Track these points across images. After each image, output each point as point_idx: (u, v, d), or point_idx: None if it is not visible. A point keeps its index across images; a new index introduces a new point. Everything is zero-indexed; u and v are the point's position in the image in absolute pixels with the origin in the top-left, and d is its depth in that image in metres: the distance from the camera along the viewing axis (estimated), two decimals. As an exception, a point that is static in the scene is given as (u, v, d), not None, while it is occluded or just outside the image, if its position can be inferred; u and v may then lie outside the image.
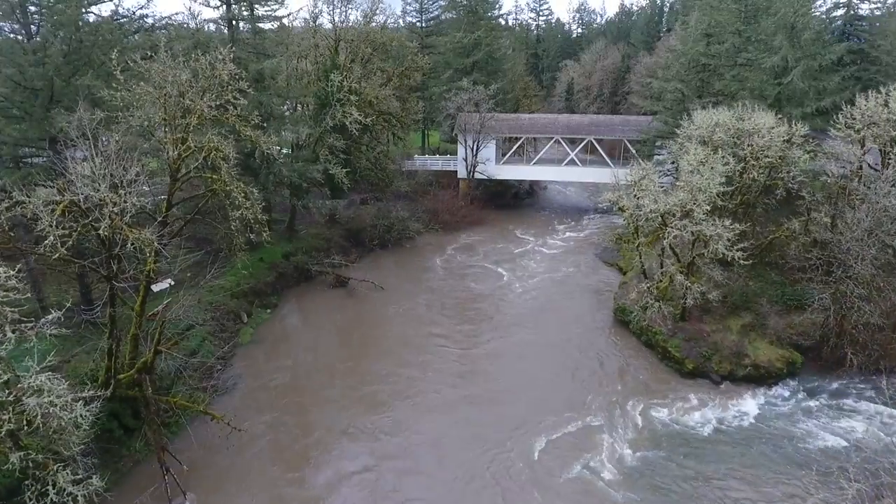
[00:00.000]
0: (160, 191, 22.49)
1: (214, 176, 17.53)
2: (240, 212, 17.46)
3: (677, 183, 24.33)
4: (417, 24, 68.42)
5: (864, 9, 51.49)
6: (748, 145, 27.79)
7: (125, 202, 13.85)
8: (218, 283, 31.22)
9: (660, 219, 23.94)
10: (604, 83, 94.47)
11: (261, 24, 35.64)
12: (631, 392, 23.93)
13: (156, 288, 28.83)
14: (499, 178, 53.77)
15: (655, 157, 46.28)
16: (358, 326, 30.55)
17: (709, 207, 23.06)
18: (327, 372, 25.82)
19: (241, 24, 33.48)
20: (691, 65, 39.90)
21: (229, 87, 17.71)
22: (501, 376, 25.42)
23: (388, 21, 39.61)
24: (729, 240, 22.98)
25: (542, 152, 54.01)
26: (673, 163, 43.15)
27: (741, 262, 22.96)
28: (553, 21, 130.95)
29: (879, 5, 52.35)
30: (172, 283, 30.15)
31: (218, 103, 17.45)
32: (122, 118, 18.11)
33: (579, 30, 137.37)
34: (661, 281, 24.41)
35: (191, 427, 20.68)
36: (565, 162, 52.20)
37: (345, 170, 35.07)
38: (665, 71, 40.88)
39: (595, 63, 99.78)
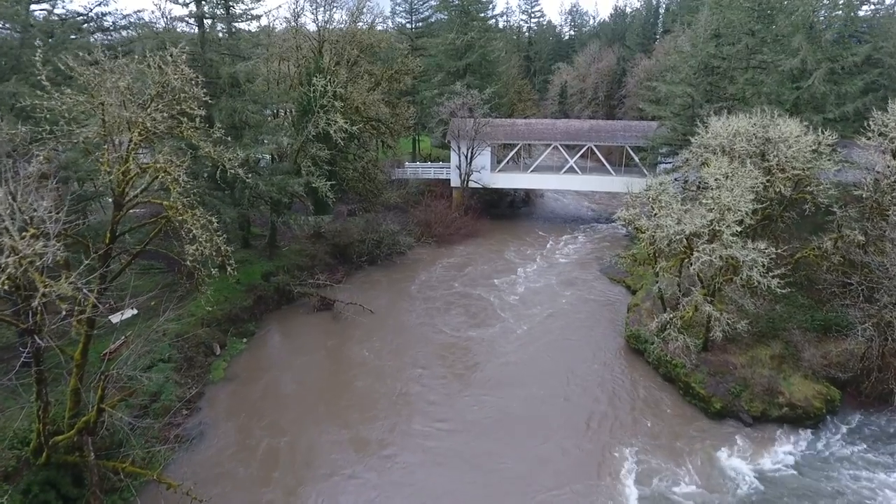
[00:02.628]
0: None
1: (166, 203, 14.49)
2: (194, 247, 14.39)
3: (702, 200, 21.59)
4: (407, 25, 65.61)
5: (865, 10, 49.43)
6: (774, 155, 25.18)
7: (35, 247, 10.77)
8: (188, 310, 28.13)
9: (684, 241, 21.14)
10: (599, 86, 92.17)
11: (238, 24, 32.70)
12: (652, 444, 20.93)
13: (115, 318, 25.66)
14: (494, 186, 51.00)
15: (660, 165, 43.76)
16: (344, 358, 27.44)
17: (739, 229, 20.34)
18: (311, 415, 22.72)
19: (214, 22, 30.44)
20: (700, 67, 37.31)
21: (182, 94, 14.68)
22: (499, 423, 22.44)
23: (376, 21, 36.60)
24: (764, 265, 20.27)
25: (538, 159, 51.29)
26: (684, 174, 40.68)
27: (778, 290, 20.24)
28: (545, 23, 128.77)
29: (879, 7, 50.30)
30: (136, 311, 27.02)
31: (170, 114, 14.45)
32: (58, 132, 15.00)
33: (571, 32, 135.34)
34: (685, 311, 21.63)
35: (145, 494, 17.59)
36: (564, 169, 49.52)
37: (329, 182, 32.02)
38: (672, 74, 38.25)
39: (589, 66, 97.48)
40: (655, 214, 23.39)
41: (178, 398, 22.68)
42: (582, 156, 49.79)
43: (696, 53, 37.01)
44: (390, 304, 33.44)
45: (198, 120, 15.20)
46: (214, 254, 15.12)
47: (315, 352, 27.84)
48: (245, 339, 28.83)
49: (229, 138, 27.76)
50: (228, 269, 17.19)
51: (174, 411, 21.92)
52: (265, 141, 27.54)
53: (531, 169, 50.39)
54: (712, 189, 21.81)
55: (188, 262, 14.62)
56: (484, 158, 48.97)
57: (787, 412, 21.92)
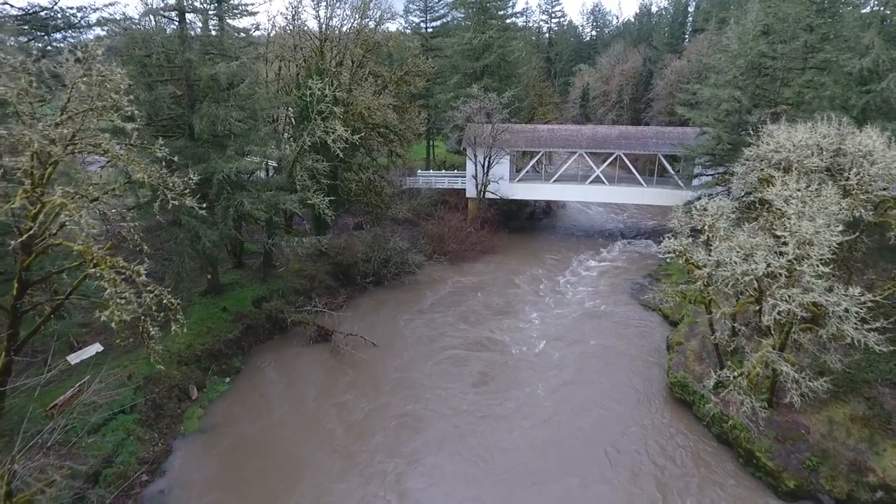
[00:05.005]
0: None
1: (77, 247, 10.87)
2: (108, 312, 10.76)
3: (775, 230, 17.40)
4: (421, 24, 61.97)
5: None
6: (854, 173, 20.87)
7: None
8: (162, 345, 24.62)
9: (755, 283, 16.97)
10: (623, 89, 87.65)
11: (231, 20, 29.25)
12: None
13: (74, 359, 22.22)
14: (513, 197, 47.00)
15: (700, 176, 39.41)
16: (342, 405, 23.62)
17: (827, 269, 16.14)
18: (297, 484, 19.00)
19: (206, 18, 27.00)
20: (749, 68, 32.96)
21: (100, 104, 11.08)
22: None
23: (385, 17, 32.92)
24: (857, 314, 16.06)
25: (562, 168, 47.17)
26: (726, 186, 36.31)
27: (877, 347, 16.00)
28: (565, 23, 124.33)
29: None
30: (101, 349, 23.58)
31: (85, 127, 10.89)
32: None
33: (593, 32, 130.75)
34: (752, 368, 17.48)
35: None
36: (590, 180, 45.35)
37: (329, 198, 28.36)
38: (717, 75, 33.94)
39: (613, 67, 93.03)
40: (711, 245, 19.23)
41: (138, 460, 19.16)
42: (608, 164, 45.64)
43: (745, 52, 32.65)
44: (394, 335, 29.62)
45: (134, 136, 11.56)
46: (153, 312, 11.45)
47: (305, 398, 23.89)
48: (228, 379, 25.22)
49: (211, 150, 24.34)
50: (175, 325, 13.42)
51: (132, 478, 18.40)
52: (253, 152, 23.97)
53: (553, 179, 46.30)
54: (787, 216, 17.59)
55: (114, 325, 10.96)
56: (502, 167, 45.02)
57: (882, 497, 17.61)
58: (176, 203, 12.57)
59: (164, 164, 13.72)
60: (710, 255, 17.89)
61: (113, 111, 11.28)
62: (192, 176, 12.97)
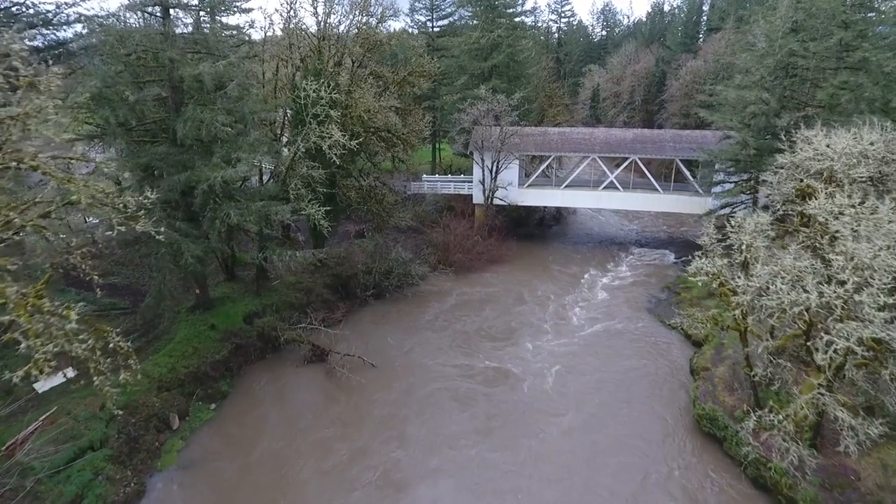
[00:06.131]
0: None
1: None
2: (24, 369, 8.73)
3: (829, 255, 15.15)
4: (427, 22, 59.99)
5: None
6: (908, 185, 18.64)
7: None
8: (142, 368, 22.66)
9: (805, 315, 14.69)
10: (635, 90, 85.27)
11: (223, 18, 27.36)
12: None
13: (42, 386, 20.31)
14: (522, 204, 44.85)
15: (722, 184, 37.08)
16: (325, 445, 21.27)
17: (891, 300, 13.91)
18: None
19: (198, 15, 25.09)
20: (778, 67, 30.67)
21: (26, 111, 9.14)
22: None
23: (387, 14, 30.90)
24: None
25: (574, 173, 44.95)
26: (751, 194, 34.04)
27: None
28: (575, 23, 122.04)
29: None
30: (75, 373, 21.63)
31: None
32: None
33: (603, 32, 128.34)
34: (801, 409, 15.24)
35: None
36: (603, 185, 43.12)
37: (326, 208, 26.36)
38: (744, 76, 31.65)
39: (624, 68, 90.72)
40: (748, 267, 17.02)
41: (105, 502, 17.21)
42: (622, 169, 43.41)
43: (773, 51, 30.35)
44: (393, 357, 27.55)
45: (80, 151, 9.57)
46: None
47: (291, 431, 21.54)
48: (214, 405, 23.24)
49: (196, 156, 22.40)
50: (124, 374, 11.42)
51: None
52: (242, 159, 22.00)
53: (565, 184, 44.09)
54: (841, 236, 15.37)
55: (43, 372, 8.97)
56: (511, 173, 42.90)
57: (950, 561, 15.34)
58: (122, 229, 10.59)
59: (117, 180, 11.77)
60: (749, 281, 15.68)
61: (43, 119, 9.34)
62: (148, 195, 11.02)
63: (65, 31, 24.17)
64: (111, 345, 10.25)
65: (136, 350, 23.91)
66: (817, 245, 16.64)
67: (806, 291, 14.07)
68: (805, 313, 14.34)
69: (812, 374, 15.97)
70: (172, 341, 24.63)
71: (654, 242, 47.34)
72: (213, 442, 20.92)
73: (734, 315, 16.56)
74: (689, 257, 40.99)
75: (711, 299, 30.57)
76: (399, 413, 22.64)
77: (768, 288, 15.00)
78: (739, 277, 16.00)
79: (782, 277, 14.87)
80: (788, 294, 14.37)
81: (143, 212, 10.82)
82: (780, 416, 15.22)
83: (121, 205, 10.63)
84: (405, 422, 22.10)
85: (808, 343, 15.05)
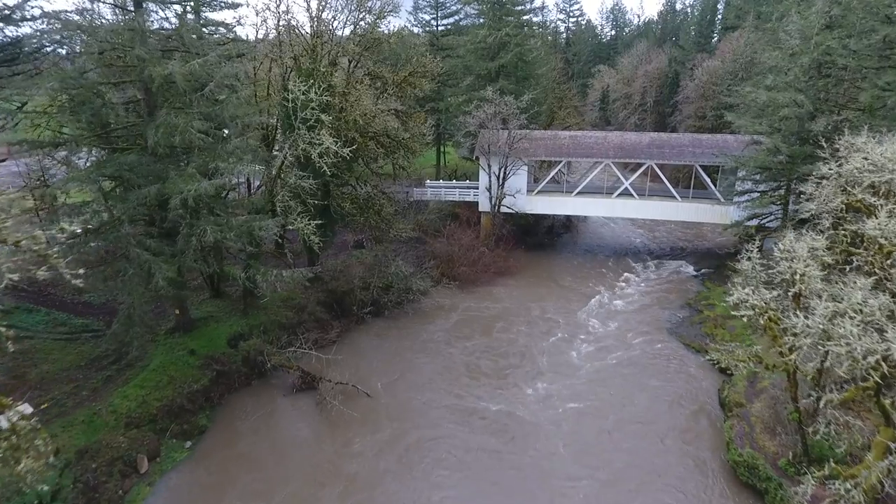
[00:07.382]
0: None
1: None
2: None
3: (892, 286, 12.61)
4: (432, 21, 57.66)
5: None
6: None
7: None
8: (108, 403, 20.36)
9: (883, 366, 12.08)
10: (647, 91, 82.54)
11: (209, 13, 25.11)
12: None
13: (-8, 427, 17.96)
14: (531, 212, 42.37)
15: (746, 193, 34.40)
16: (329, 477, 19.17)
17: None
18: None
19: (157, 6, 22.61)
20: (813, 67, 28.06)
21: None
22: None
23: (386, 10, 28.52)
24: None
25: (587, 179, 42.41)
26: (781, 205, 31.38)
27: None
28: (584, 23, 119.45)
29: None
30: (29, 410, 19.30)
31: None
32: None
33: (612, 32, 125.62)
34: (871, 475, 12.68)
35: None
36: (618, 192, 40.57)
37: (318, 221, 23.99)
38: (777, 77, 29.02)
39: (636, 68, 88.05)
40: (802, 300, 14.46)
41: (52, 571, 14.91)
42: (637, 175, 40.86)
43: (808, 49, 27.73)
44: (389, 387, 25.10)
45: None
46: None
47: (269, 479, 19.12)
48: (189, 443, 20.86)
49: (170, 166, 20.07)
50: (25, 461, 9.06)
51: None
52: (219, 169, 19.69)
53: (577, 191, 41.54)
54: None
55: None
56: (519, 179, 40.42)
57: None
58: (14, 279, 8.25)
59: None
60: (807, 319, 13.11)
61: None
62: (63, 227, 8.81)
63: (26, 26, 21.88)
64: (10, 423, 7.94)
65: (104, 379, 21.89)
66: (885, 276, 14.05)
67: (887, 340, 11.52)
68: (882, 364, 11.79)
69: (882, 430, 13.39)
70: (146, 369, 22.30)
71: (671, 252, 44.70)
72: (181, 489, 18.56)
73: (786, 360, 13.98)
74: (711, 269, 39.08)
75: (734, 319, 27.97)
76: (378, 466, 19.57)
77: (836, 332, 12.45)
78: (796, 314, 13.44)
79: (851, 318, 12.33)
80: (861, 340, 11.83)
81: (55, 249, 8.60)
82: (847, 486, 12.63)
83: (23, 241, 8.33)
84: (383, 478, 19.52)
85: (884, 400, 12.52)
